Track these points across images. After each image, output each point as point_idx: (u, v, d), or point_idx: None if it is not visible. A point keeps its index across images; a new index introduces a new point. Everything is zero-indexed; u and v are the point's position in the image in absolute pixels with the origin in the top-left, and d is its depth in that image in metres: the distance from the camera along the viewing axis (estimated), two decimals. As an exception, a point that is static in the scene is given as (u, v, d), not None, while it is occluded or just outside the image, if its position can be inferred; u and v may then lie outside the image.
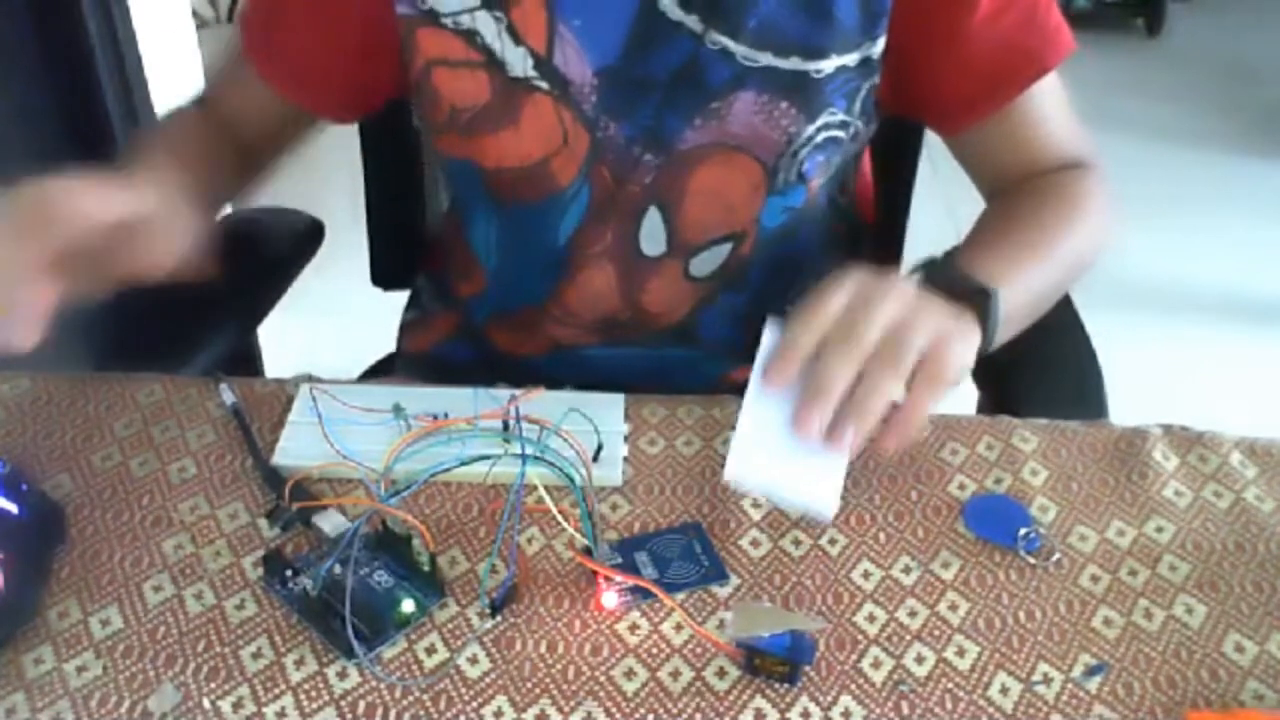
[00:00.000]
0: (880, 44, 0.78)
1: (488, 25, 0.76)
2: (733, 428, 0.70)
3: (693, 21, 0.75)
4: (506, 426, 0.66)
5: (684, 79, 0.77)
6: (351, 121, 0.90)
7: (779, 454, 0.59)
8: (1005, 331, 0.71)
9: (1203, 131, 2.99)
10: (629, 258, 0.85)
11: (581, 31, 0.76)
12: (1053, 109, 0.83)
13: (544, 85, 0.77)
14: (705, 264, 0.86)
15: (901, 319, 0.61)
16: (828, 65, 0.77)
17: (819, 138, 0.80)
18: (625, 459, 0.69)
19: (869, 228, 0.99)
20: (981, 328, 0.67)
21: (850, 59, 0.77)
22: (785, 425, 0.59)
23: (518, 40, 0.77)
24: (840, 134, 0.81)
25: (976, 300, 0.68)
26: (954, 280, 0.69)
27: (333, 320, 1.86)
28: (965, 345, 0.63)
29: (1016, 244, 0.77)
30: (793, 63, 0.76)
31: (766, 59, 0.76)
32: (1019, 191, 0.82)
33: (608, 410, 0.71)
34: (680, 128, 0.79)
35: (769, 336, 0.64)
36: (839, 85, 0.78)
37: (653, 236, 0.84)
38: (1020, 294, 0.72)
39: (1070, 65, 0.82)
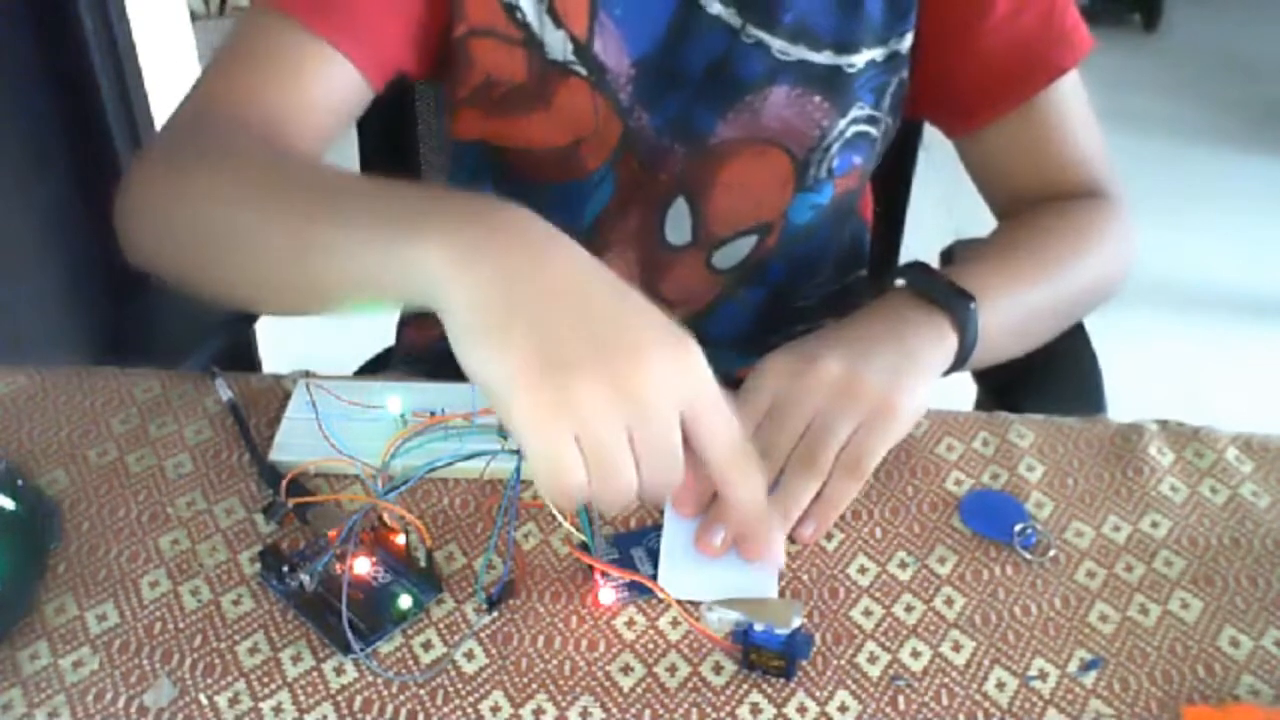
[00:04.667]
0: (908, 39, 0.78)
1: (529, 3, 0.76)
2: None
3: (730, 15, 0.76)
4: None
5: (719, 71, 0.77)
6: (380, 89, 0.79)
7: (707, 559, 0.61)
8: (991, 349, 0.71)
9: (1201, 127, 3.00)
10: (652, 246, 0.85)
11: (622, 20, 0.76)
12: (1071, 116, 0.81)
13: (581, 71, 0.77)
14: (728, 256, 0.86)
15: (820, 413, 0.63)
16: (859, 60, 0.77)
17: (849, 132, 0.80)
18: (622, 454, 0.68)
19: (869, 227, 1.00)
20: (959, 335, 0.68)
21: (878, 53, 0.78)
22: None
23: (558, 23, 0.76)
24: (870, 129, 0.81)
25: (954, 307, 0.68)
26: (934, 286, 0.69)
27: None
28: (904, 401, 0.64)
29: (1016, 262, 0.76)
30: (825, 56, 0.77)
31: (800, 53, 0.76)
32: (1030, 214, 0.81)
33: (604, 406, 0.71)
34: (713, 120, 0.79)
35: None
36: (868, 80, 0.78)
37: (678, 226, 0.84)
38: (1009, 312, 0.72)
39: None
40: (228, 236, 0.60)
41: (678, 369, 0.50)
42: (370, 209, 0.55)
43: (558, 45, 0.77)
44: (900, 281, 0.71)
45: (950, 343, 0.68)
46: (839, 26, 0.76)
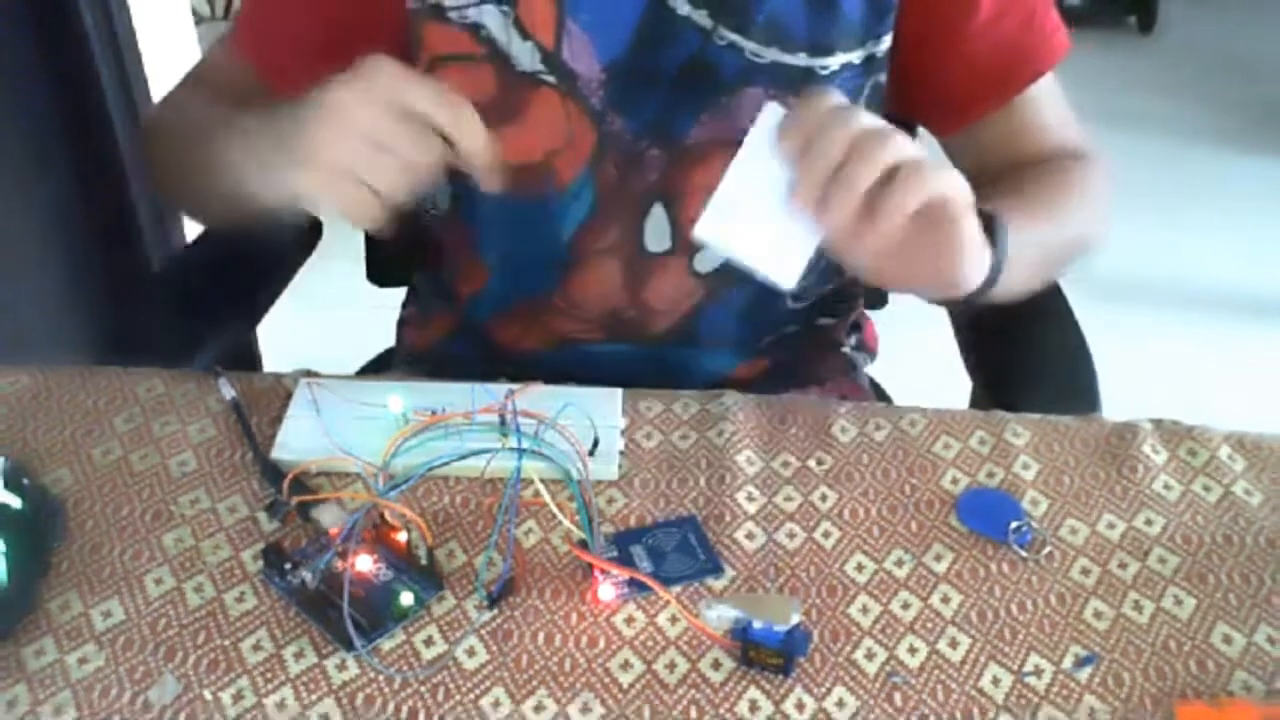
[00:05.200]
0: (886, 41, 0.79)
1: (494, 18, 0.77)
2: (728, 417, 0.71)
3: (701, 16, 0.76)
4: (503, 421, 0.67)
5: (692, 74, 0.78)
6: None
7: (755, 219, 0.63)
8: (1009, 278, 0.71)
9: (1200, 127, 3.00)
10: (634, 254, 0.85)
11: (590, 25, 0.76)
12: (1049, 110, 0.84)
13: (551, 79, 0.78)
14: (710, 260, 0.86)
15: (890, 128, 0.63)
16: (834, 62, 0.78)
17: None
18: (621, 453, 0.69)
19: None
20: (991, 248, 0.68)
21: (855, 56, 0.78)
22: (766, 192, 0.63)
23: (525, 34, 0.77)
24: None
25: (984, 224, 0.68)
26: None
27: (331, 315, 1.86)
28: (953, 177, 0.64)
29: (1028, 201, 0.78)
30: (800, 59, 0.77)
31: (774, 54, 0.77)
32: (1030, 167, 0.83)
33: (604, 405, 0.71)
34: (687, 123, 0.79)
35: (769, 114, 0.66)
36: (843, 82, 0.79)
37: (658, 232, 0.84)
38: (1027, 243, 0.73)
39: (1065, 62, 0.84)
40: (196, 174, 0.78)
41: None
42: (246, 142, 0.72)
43: (525, 56, 0.77)
44: None
45: (987, 252, 0.68)
46: (813, 28, 0.77)
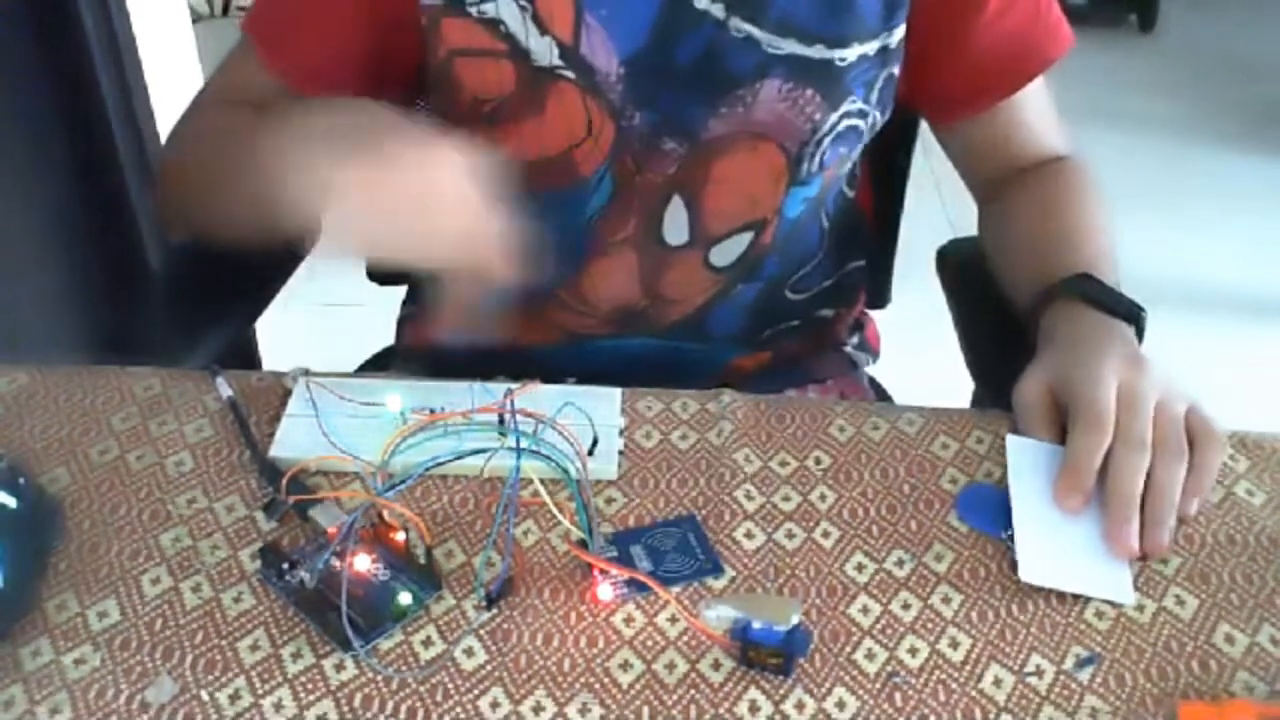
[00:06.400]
0: (899, 33, 0.79)
1: (512, 14, 0.76)
2: (727, 416, 0.71)
3: (717, 9, 0.76)
4: (502, 420, 0.66)
5: (709, 66, 0.78)
6: None
7: (1064, 553, 0.62)
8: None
9: (1199, 127, 3.00)
10: (651, 247, 0.85)
11: (608, 20, 0.76)
12: (1040, 99, 0.86)
13: (570, 74, 0.78)
14: (725, 254, 0.86)
15: (1156, 400, 0.64)
16: (850, 54, 0.78)
17: (841, 126, 0.81)
18: (620, 452, 0.69)
19: (865, 215, 1.00)
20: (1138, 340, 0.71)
21: (871, 48, 0.79)
22: (1059, 521, 0.64)
23: (543, 29, 0.77)
24: (859, 123, 0.82)
25: (1134, 317, 0.72)
26: (1110, 296, 0.72)
27: (330, 313, 1.86)
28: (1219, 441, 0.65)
29: (1105, 246, 0.80)
30: (817, 50, 0.77)
31: (791, 46, 0.77)
32: (1067, 188, 0.85)
33: (603, 404, 0.71)
34: (705, 116, 0.79)
35: (1015, 452, 0.67)
36: (859, 74, 0.79)
37: (676, 226, 0.84)
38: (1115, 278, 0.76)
39: (1065, 61, 0.84)
40: (213, 186, 0.77)
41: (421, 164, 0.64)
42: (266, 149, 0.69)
43: (544, 51, 0.77)
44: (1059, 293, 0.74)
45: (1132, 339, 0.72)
46: (828, 19, 0.77)
